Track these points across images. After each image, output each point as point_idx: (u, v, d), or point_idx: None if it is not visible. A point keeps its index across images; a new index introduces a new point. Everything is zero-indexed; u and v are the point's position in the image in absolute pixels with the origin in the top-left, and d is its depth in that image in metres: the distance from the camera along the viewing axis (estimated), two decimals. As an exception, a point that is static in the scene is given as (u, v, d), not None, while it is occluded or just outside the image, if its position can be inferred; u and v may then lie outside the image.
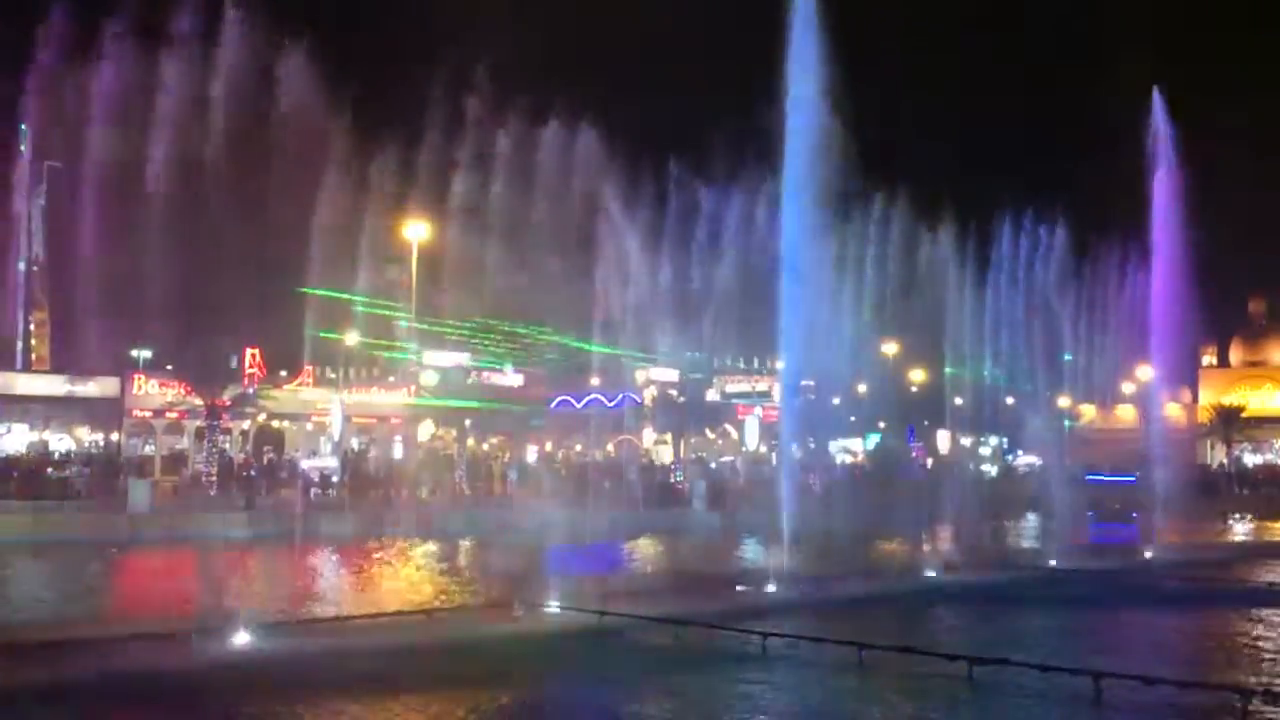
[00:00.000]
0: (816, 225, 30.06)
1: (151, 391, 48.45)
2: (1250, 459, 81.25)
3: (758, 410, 66.86)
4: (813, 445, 55.94)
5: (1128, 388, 75.49)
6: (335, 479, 46.73)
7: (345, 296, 50.23)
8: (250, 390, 47.24)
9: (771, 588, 23.12)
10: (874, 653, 16.67)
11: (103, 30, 40.72)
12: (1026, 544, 36.54)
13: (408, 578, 28.80)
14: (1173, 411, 56.76)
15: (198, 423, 46.22)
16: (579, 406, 61.77)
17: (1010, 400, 69.87)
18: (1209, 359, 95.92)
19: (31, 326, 57.00)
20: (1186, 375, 68.28)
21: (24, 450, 48.01)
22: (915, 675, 16.03)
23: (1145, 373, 52.80)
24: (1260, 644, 19.65)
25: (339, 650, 16.92)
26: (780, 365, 44.65)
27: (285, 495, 43.98)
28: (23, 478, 40.94)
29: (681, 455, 57.09)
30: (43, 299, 57.46)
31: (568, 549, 22.28)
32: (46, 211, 55.57)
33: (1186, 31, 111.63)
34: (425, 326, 55.70)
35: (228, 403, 44.78)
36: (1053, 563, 29.40)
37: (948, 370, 69.58)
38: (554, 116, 49.21)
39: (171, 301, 43.35)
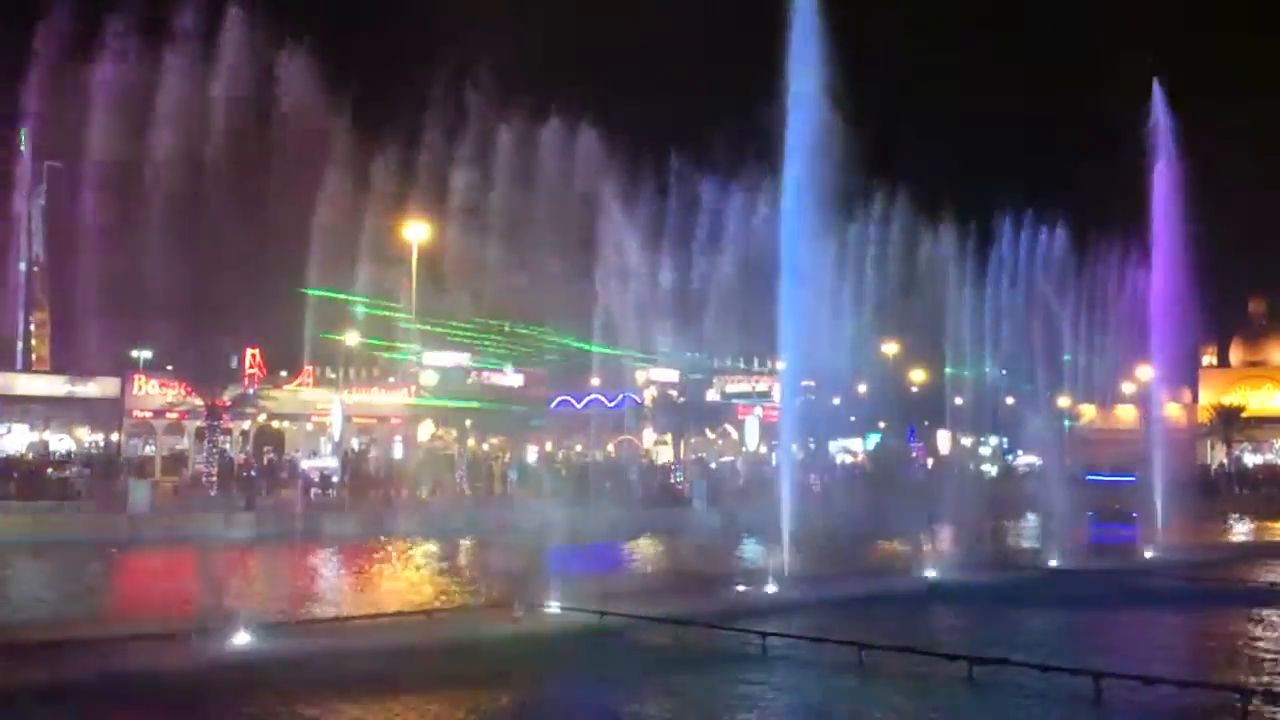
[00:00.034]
0: (817, 225, 30.06)
1: (152, 392, 48.44)
2: (1250, 459, 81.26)
3: (758, 410, 66.85)
4: (813, 445, 56.00)
5: (1128, 388, 75.51)
6: (335, 479, 46.73)
7: (345, 297, 50.27)
8: (250, 390, 47.24)
9: (771, 588, 23.12)
10: (874, 653, 16.67)
11: (103, 30, 40.74)
12: (1026, 544, 36.52)
13: (408, 578, 28.80)
14: (1173, 411, 56.71)
15: (198, 423, 46.21)
16: (579, 407, 61.82)
17: (1010, 400, 69.89)
18: (1209, 359, 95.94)
19: (32, 327, 57.00)
20: (1186, 375, 68.24)
21: (24, 450, 48.01)
22: (915, 675, 16.03)
23: (1145, 373, 52.79)
24: (1260, 644, 19.64)
25: (339, 650, 16.92)
26: (780, 365, 44.64)
27: (285, 495, 43.98)
28: (23, 478, 40.93)
29: (681, 455, 57.08)
30: (43, 299, 57.46)
31: (568, 549, 22.29)
32: (46, 211, 55.59)
33: (1186, 31, 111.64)
34: (426, 327, 55.73)
35: (228, 403, 44.77)
36: (1053, 563, 29.40)
37: (948, 370, 69.63)
38: (554, 116, 49.28)
39: (171, 301, 43.41)
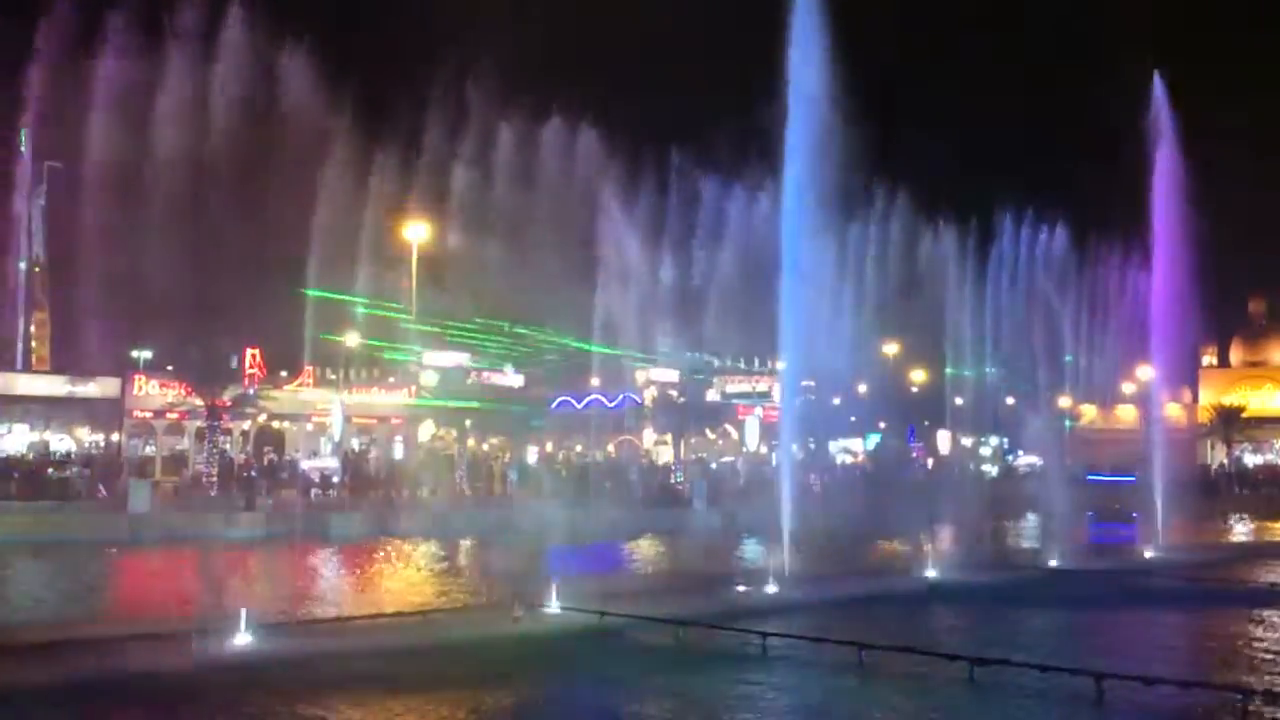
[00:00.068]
0: (817, 225, 30.06)
1: (152, 392, 48.43)
2: (1250, 459, 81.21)
3: (758, 410, 66.84)
4: (813, 445, 55.98)
5: (1128, 388, 75.47)
6: (335, 479, 46.75)
7: (346, 297, 50.29)
8: (251, 391, 47.24)
9: (771, 588, 23.11)
10: (874, 653, 16.67)
11: (103, 30, 40.74)
12: (1027, 544, 36.54)
13: (408, 578, 28.80)
14: (1173, 412, 56.68)
15: (198, 423, 46.21)
16: (579, 407, 61.80)
17: (1010, 400, 69.88)
18: (1209, 359, 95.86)
19: (32, 327, 57.00)
20: (1187, 375, 68.19)
21: (24, 451, 48.00)
22: (915, 675, 16.03)
23: (1145, 373, 52.74)
24: (1260, 644, 19.63)
25: (339, 651, 16.92)
26: (780, 365, 44.62)
27: (285, 496, 44.01)
28: (23, 478, 40.96)
29: (682, 455, 57.07)
30: (43, 299, 57.48)
31: (568, 549, 22.31)
32: (46, 211, 55.61)
33: (1186, 31, 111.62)
34: (426, 327, 55.73)
35: (228, 403, 44.76)
36: (1053, 563, 29.40)
37: (948, 370, 69.63)
38: (554, 116, 49.30)
39: (172, 301, 43.43)
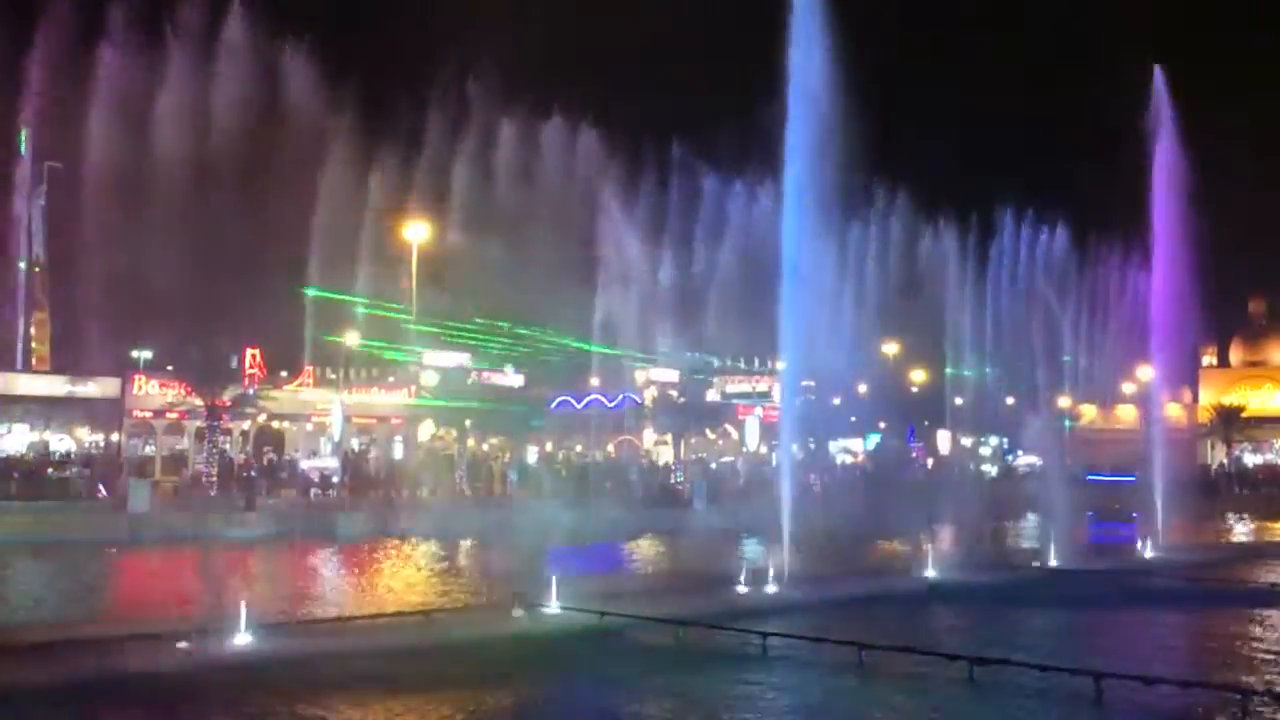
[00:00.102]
0: (817, 225, 30.05)
1: (152, 392, 48.39)
2: (1250, 459, 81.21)
3: (758, 410, 66.85)
4: (813, 445, 55.98)
5: (1128, 388, 75.46)
6: (335, 479, 46.76)
7: (346, 298, 50.31)
8: (250, 391, 47.21)
9: (771, 588, 23.10)
10: (874, 653, 16.67)
11: (103, 30, 40.76)
12: (1026, 544, 36.52)
13: (408, 578, 28.79)
14: (1173, 411, 56.65)
15: (198, 423, 46.18)
16: (579, 407, 61.82)
17: (1010, 400, 69.88)
18: (1209, 359, 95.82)
19: (32, 328, 57.00)
20: (1187, 375, 68.11)
21: (24, 451, 48.00)
22: (915, 675, 16.03)
23: (1145, 373, 52.73)
24: (1260, 644, 19.64)
25: (339, 651, 16.92)
26: (780, 365, 44.62)
27: (285, 496, 44.03)
28: (23, 478, 40.96)
29: (682, 456, 57.07)
30: (43, 299, 57.47)
31: (568, 549, 22.30)
32: (46, 212, 55.61)
33: (1187, 31, 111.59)
34: (426, 327, 55.73)
35: (228, 403, 44.74)
36: (1053, 563, 29.38)
37: (948, 370, 69.66)
38: (554, 116, 49.33)
39: (172, 302, 43.45)
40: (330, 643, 17.54)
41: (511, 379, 63.53)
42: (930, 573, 26.09)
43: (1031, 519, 42.40)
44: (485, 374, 61.06)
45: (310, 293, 48.82)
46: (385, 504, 43.15)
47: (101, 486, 41.26)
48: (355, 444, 54.11)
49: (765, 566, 23.91)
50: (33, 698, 13.89)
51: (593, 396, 62.25)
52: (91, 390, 48.32)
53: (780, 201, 29.69)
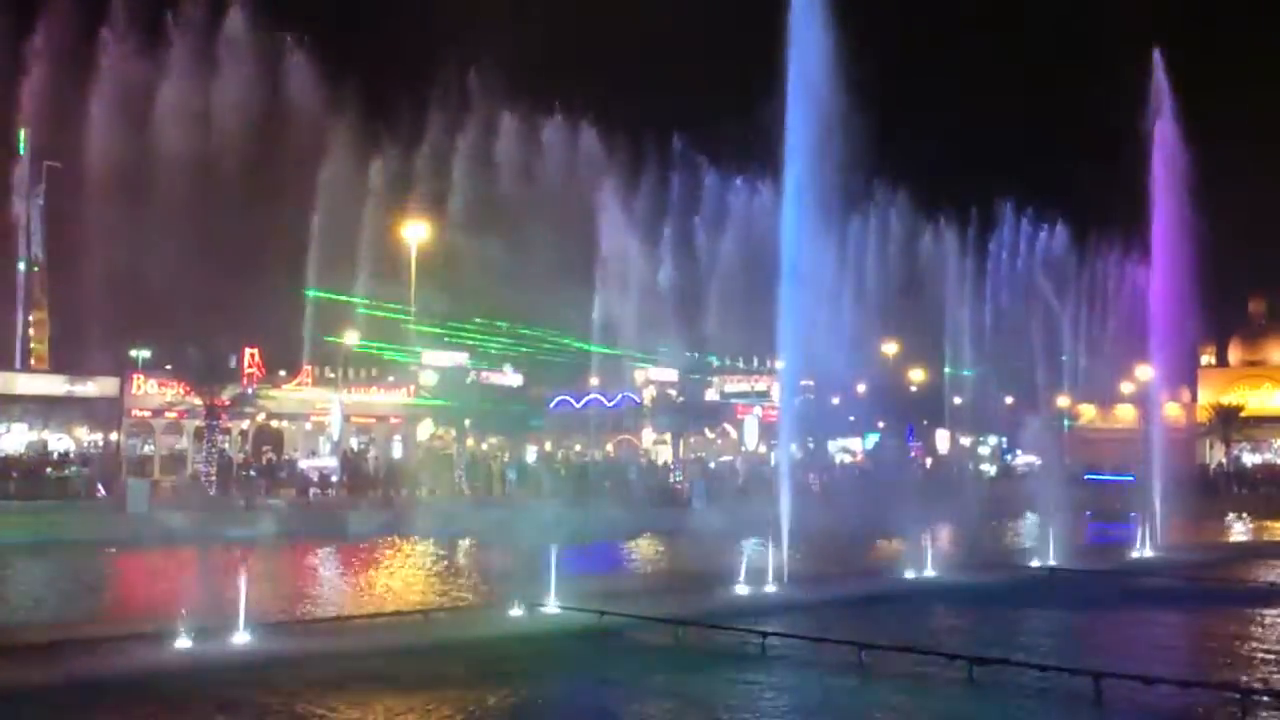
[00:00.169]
0: (817, 224, 30.07)
1: (150, 391, 48.38)
2: (1249, 458, 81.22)
3: (757, 410, 66.87)
4: (812, 445, 56.01)
5: (1127, 387, 75.49)
6: (334, 479, 46.76)
7: (345, 297, 50.32)
8: (249, 390, 47.18)
9: (771, 587, 23.11)
10: (874, 653, 16.66)
11: (102, 30, 40.79)
12: (1026, 544, 36.53)
13: (407, 577, 28.79)
14: (1172, 411, 56.70)
15: (197, 422, 46.16)
16: (578, 406, 61.85)
17: (1009, 400, 69.92)
18: (1208, 359, 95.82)
19: (31, 328, 56.98)
20: (1186, 375, 68.18)
21: (23, 450, 47.96)
22: (915, 675, 16.03)
23: (1144, 372, 52.75)
24: (1260, 644, 19.64)
25: (339, 650, 16.91)
26: (779, 365, 44.63)
27: (284, 495, 44.01)
28: (22, 478, 40.93)
29: (680, 455, 57.09)
30: (42, 298, 57.47)
31: (567, 549, 22.25)
32: (46, 211, 55.62)
33: (1187, 31, 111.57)
34: (426, 327, 55.72)
35: (227, 403, 44.72)
36: (1052, 563, 29.38)
37: (947, 370, 69.71)
38: (554, 115, 49.38)
39: (170, 301, 43.46)
40: (329, 642, 17.54)
41: (510, 378, 63.52)
42: (930, 573, 26.11)
43: (1030, 519, 42.42)
44: (484, 373, 61.03)
45: (310, 292, 48.84)
46: (384, 504, 43.15)
47: (100, 486, 41.25)
48: (354, 443, 54.11)
49: (764, 566, 23.89)
50: (33, 698, 13.87)
51: (592, 396, 62.26)
52: (90, 390, 48.30)
53: (779, 201, 29.72)
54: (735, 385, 71.66)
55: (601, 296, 55.33)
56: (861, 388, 64.92)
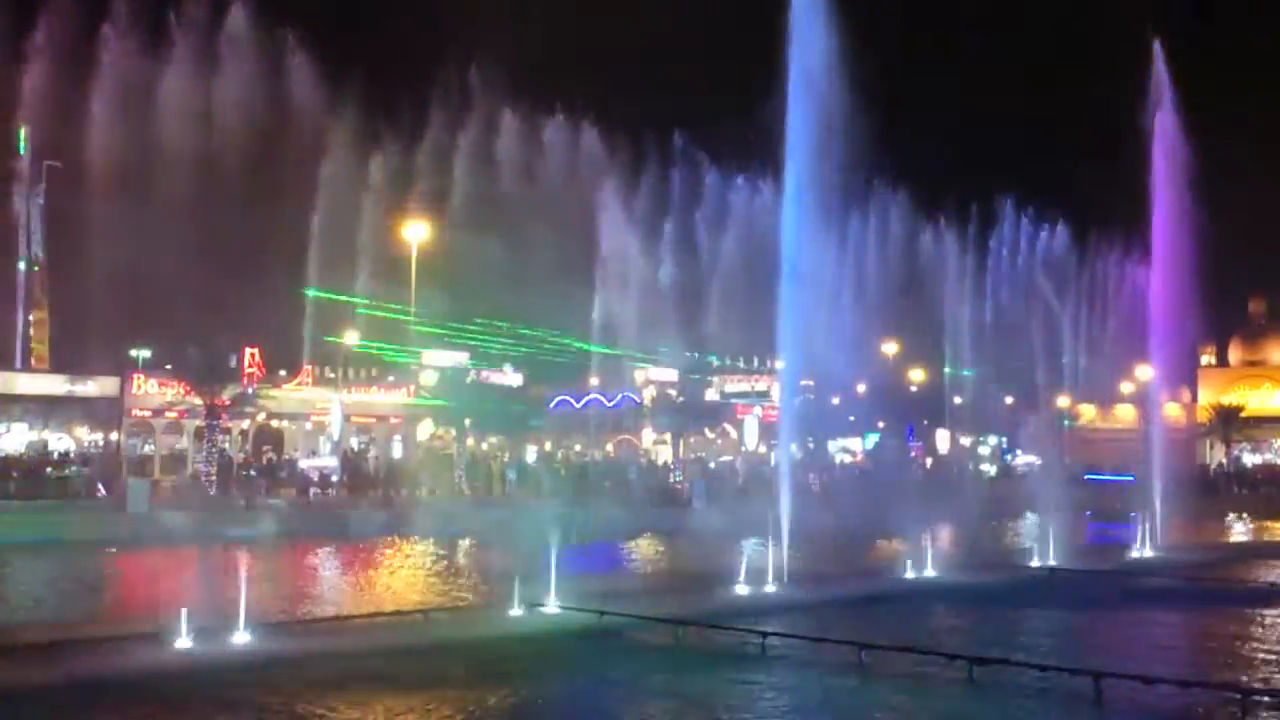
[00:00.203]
0: (817, 224, 30.08)
1: (151, 391, 48.37)
2: (1249, 459, 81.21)
3: (757, 410, 66.88)
4: (812, 445, 56.01)
5: (1127, 387, 75.51)
6: (334, 479, 46.76)
7: (345, 297, 50.33)
8: (249, 390, 47.19)
9: (771, 587, 23.12)
10: (874, 652, 16.66)
11: (102, 29, 40.79)
12: (1025, 544, 36.52)
13: (407, 577, 28.80)
14: (1172, 411, 56.71)
15: (197, 422, 46.15)
16: (578, 406, 61.84)
17: (1009, 400, 69.91)
18: (1208, 359, 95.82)
19: (31, 327, 56.98)
20: (1186, 375, 68.21)
21: (23, 450, 47.97)
22: (915, 675, 16.03)
23: (1144, 372, 52.76)
24: (1260, 644, 19.65)
25: (339, 650, 16.91)
26: (779, 365, 44.64)
27: (285, 495, 44.00)
28: (22, 477, 40.92)
29: (680, 455, 57.10)
30: (42, 298, 57.48)
31: (567, 549, 22.26)
32: (46, 211, 55.62)
33: (1187, 31, 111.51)
34: (427, 328, 55.72)
35: (227, 402, 44.72)
36: (1052, 563, 29.38)
37: (947, 370, 69.71)
38: (555, 115, 49.39)
39: (171, 300, 43.47)
40: (329, 642, 17.54)
41: (510, 378, 63.51)
42: (930, 573, 26.11)
43: (1030, 519, 42.42)
44: (484, 373, 61.06)
45: (310, 292, 48.84)
46: (384, 503, 43.14)
47: (101, 486, 41.25)
48: (354, 443, 54.11)
49: (764, 566, 23.90)
50: (33, 698, 13.88)
51: (591, 396, 62.26)
52: (90, 389, 48.31)
53: (780, 200, 29.72)
54: (735, 385, 71.66)
55: (601, 296, 55.32)
56: (861, 388, 64.92)
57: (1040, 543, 31.58)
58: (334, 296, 49.77)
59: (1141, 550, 33.32)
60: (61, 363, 52.81)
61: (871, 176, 49.26)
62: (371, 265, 49.72)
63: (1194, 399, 77.22)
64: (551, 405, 61.59)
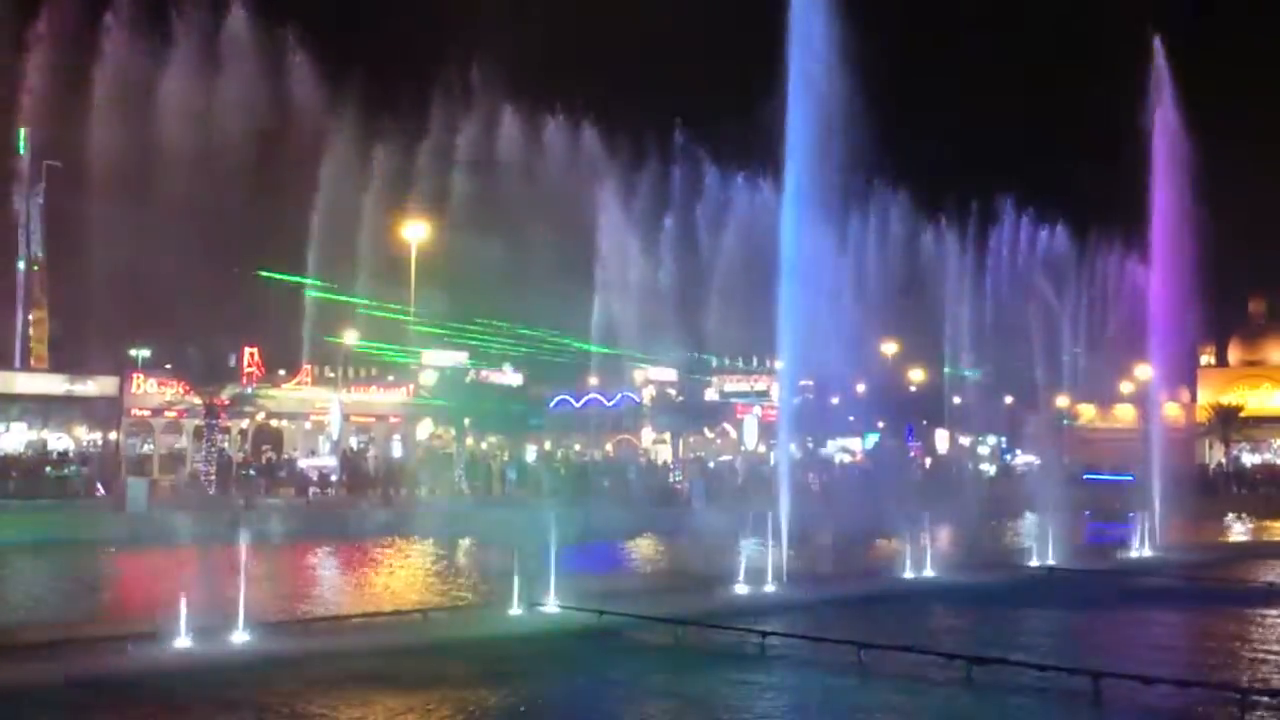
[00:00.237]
0: (817, 224, 30.09)
1: (150, 390, 48.35)
2: (1249, 459, 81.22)
3: (756, 409, 66.88)
4: (811, 445, 56.02)
5: (1126, 387, 75.49)
6: (334, 478, 46.75)
7: (345, 297, 50.34)
8: (249, 389, 47.20)
9: (771, 587, 23.13)
10: (873, 652, 16.66)
11: (102, 29, 40.78)
12: (1025, 544, 36.52)
13: (406, 577, 28.80)
14: (1171, 411, 56.70)
15: (196, 422, 46.15)
16: (578, 406, 61.86)
17: (1009, 399, 69.88)
18: (1207, 359, 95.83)
19: (30, 327, 56.95)
20: (1185, 375, 68.22)
21: (22, 449, 47.96)
22: (915, 675, 16.03)
23: (1144, 372, 52.76)
24: (1260, 644, 19.65)
25: (338, 649, 16.92)
26: (779, 364, 44.64)
27: (284, 494, 44.00)
28: (21, 477, 40.91)
29: (680, 455, 57.10)
30: (41, 298, 57.44)
31: (567, 548, 22.25)
32: (45, 210, 55.59)
33: (1187, 31, 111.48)
34: (427, 328, 55.73)
35: (226, 402, 44.72)
36: (1051, 562, 29.39)
37: (946, 369, 69.71)
38: (555, 115, 49.40)
39: (170, 300, 43.47)
40: (329, 641, 17.55)
41: (510, 378, 63.53)
42: (929, 572, 26.11)
43: (1030, 518, 42.41)
44: (484, 373, 61.07)
45: (309, 291, 48.85)
46: (384, 503, 43.15)
47: (100, 485, 41.25)
48: (354, 443, 54.10)
49: (764, 566, 23.91)
50: (33, 698, 13.87)
51: (591, 395, 62.28)
52: (90, 389, 48.28)
53: (780, 200, 29.72)
54: (735, 385, 71.69)
55: (601, 296, 55.33)
56: (861, 387, 64.91)
57: (1039, 542, 31.58)
58: (334, 296, 49.80)
59: (1140, 550, 33.33)
60: (61, 362, 52.77)
61: (871, 176, 49.28)
62: (371, 265, 49.73)
63: (1193, 399, 77.24)
64: (551, 405, 61.60)
